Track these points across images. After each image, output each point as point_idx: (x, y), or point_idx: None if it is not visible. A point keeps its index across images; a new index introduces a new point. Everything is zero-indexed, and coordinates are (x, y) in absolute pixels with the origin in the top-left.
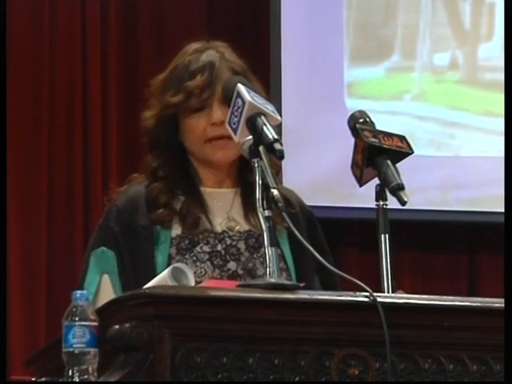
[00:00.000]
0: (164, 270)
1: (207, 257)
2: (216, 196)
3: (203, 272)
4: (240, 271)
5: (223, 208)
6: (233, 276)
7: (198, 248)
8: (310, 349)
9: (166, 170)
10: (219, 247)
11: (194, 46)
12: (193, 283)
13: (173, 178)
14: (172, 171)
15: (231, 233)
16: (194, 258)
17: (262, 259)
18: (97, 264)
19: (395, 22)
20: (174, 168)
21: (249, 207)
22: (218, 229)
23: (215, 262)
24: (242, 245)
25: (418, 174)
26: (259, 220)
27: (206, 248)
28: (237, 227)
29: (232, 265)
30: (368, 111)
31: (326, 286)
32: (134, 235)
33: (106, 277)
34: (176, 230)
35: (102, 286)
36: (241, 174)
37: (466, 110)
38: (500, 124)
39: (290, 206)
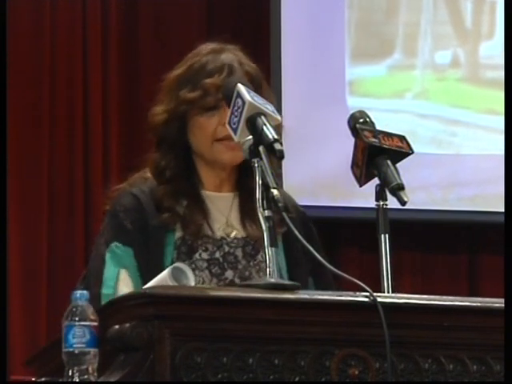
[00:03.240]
0: None
1: (206, 265)
2: (215, 200)
3: (201, 281)
4: (237, 280)
5: (222, 213)
6: (230, 285)
7: (196, 255)
8: (309, 349)
9: (172, 170)
10: (217, 254)
11: (210, 46)
12: (193, 283)
13: (177, 181)
14: (177, 173)
15: (229, 239)
16: (193, 266)
17: (258, 267)
18: (113, 259)
19: (397, 20)
20: (178, 169)
21: (246, 213)
22: (217, 235)
23: (213, 271)
24: (239, 252)
25: (419, 172)
26: (259, 220)
27: (205, 255)
28: (233, 233)
29: (229, 273)
30: (369, 109)
31: (320, 289)
32: (146, 234)
33: (123, 271)
34: (178, 233)
35: (120, 280)
36: (241, 178)
37: (467, 108)
38: (501, 122)
39: (287, 210)
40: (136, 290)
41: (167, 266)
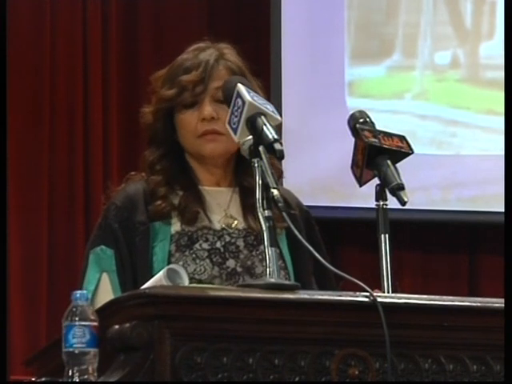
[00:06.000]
0: (164, 267)
1: (206, 254)
2: (214, 194)
3: (203, 269)
4: (239, 269)
5: (221, 206)
6: (232, 274)
7: (197, 245)
8: (309, 349)
9: (162, 163)
10: (218, 244)
11: (196, 45)
12: (187, 283)
13: (170, 171)
14: (168, 165)
15: (230, 230)
16: (194, 256)
17: (260, 257)
18: (96, 262)
19: (396, 20)
20: (170, 163)
21: (247, 207)
22: (217, 226)
23: (214, 260)
24: (240, 242)
25: (419, 173)
26: (259, 220)
27: (205, 245)
28: (234, 223)
29: (231, 262)
30: (369, 110)
31: (322, 288)
32: (131, 231)
33: (105, 275)
34: (175, 227)
35: (100, 285)
36: (237, 176)
37: (467, 109)
38: (501, 122)
39: (289, 206)
40: (115, 295)
41: (157, 261)
